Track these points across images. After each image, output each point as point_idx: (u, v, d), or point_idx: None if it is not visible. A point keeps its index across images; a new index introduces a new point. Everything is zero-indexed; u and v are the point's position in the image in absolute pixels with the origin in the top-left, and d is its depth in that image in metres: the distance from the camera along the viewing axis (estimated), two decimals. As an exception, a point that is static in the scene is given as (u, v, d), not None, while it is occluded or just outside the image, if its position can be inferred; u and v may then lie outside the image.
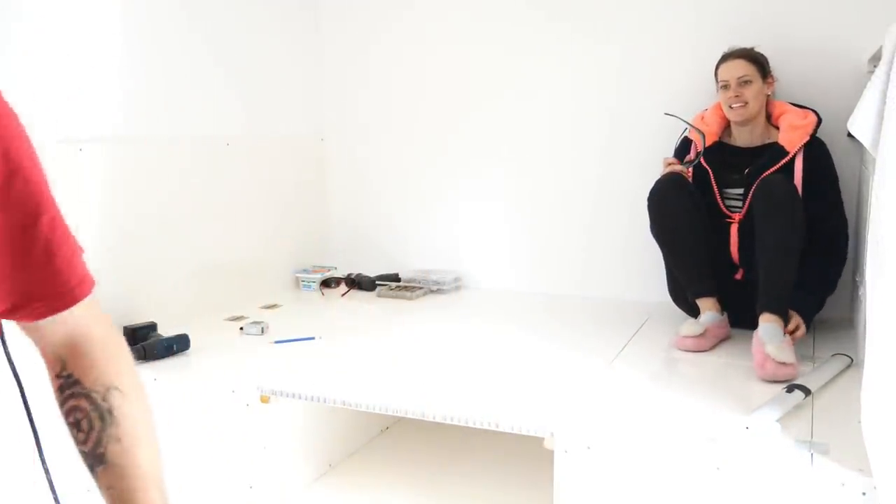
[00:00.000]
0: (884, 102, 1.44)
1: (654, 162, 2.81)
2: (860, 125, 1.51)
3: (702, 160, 2.50)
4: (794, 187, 2.30)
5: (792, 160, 2.39)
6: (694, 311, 2.42)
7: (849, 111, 1.58)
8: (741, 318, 2.33)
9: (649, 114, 2.85)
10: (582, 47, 2.95)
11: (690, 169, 2.49)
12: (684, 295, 2.47)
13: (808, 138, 2.39)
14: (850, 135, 1.59)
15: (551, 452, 1.69)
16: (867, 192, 1.97)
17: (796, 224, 2.21)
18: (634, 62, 2.88)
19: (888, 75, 1.44)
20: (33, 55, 2.17)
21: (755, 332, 2.13)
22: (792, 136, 2.41)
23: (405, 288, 3.11)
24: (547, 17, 2.98)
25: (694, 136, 2.52)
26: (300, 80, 3.31)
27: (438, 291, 3.13)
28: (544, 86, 3.03)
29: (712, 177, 2.48)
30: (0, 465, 2.02)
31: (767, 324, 2.13)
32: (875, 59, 1.91)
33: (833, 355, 2.12)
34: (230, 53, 2.91)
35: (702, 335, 2.26)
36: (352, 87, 3.38)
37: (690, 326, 2.29)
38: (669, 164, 2.47)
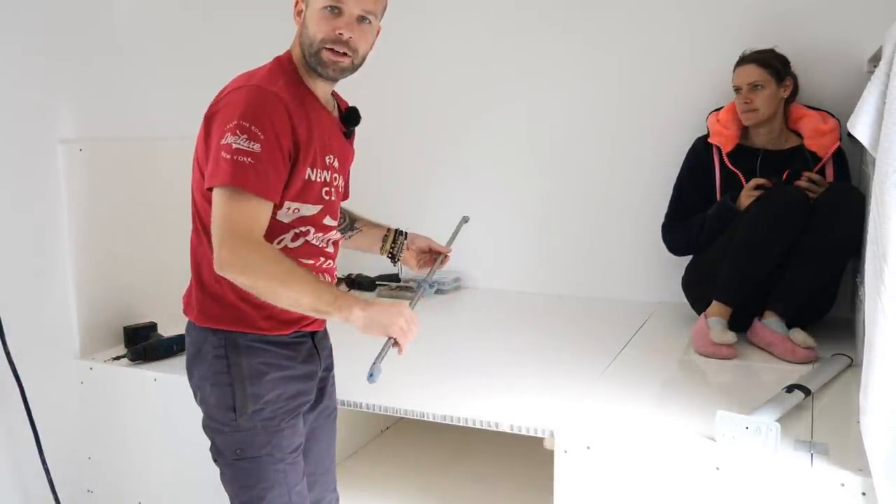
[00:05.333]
0: (884, 102, 1.44)
1: (656, 163, 2.82)
2: (860, 125, 1.51)
3: (728, 164, 2.51)
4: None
5: (823, 165, 2.42)
6: (699, 304, 2.41)
7: (849, 111, 1.58)
8: (739, 322, 2.32)
9: (653, 114, 2.85)
10: (586, 48, 2.95)
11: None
12: (700, 286, 2.45)
13: (838, 143, 2.41)
14: (849, 135, 1.59)
15: (551, 452, 1.69)
16: (867, 192, 1.97)
17: (855, 235, 2.15)
18: (639, 63, 2.87)
19: (888, 75, 1.44)
20: (33, 55, 2.17)
21: (761, 323, 2.24)
22: (822, 142, 2.43)
23: (405, 288, 3.10)
24: (554, 19, 2.98)
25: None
26: (300, 80, 3.30)
27: (438, 291, 3.12)
28: (545, 86, 3.02)
29: (743, 181, 2.46)
30: (0, 465, 2.02)
31: (775, 318, 2.23)
32: (875, 59, 1.91)
33: (833, 355, 2.12)
34: (231, 53, 2.90)
35: (734, 344, 2.21)
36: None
37: (723, 334, 2.21)
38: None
